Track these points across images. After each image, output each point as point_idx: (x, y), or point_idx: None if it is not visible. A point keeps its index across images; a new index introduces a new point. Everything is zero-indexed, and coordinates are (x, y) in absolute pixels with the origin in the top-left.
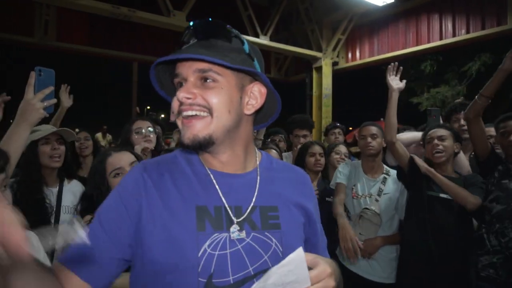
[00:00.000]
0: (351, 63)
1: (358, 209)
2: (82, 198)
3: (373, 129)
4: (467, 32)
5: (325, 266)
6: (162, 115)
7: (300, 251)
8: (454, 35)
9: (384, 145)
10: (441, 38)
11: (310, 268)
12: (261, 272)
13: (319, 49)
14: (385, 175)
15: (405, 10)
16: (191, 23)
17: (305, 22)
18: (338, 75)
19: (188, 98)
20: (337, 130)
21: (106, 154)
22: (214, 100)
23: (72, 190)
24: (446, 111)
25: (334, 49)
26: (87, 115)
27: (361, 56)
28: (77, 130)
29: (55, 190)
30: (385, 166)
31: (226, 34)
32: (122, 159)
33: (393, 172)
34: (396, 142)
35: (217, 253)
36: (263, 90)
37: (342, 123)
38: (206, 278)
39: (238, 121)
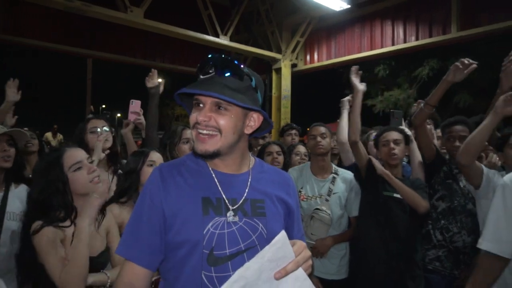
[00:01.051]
0: (309, 65)
1: (309, 211)
2: (29, 202)
3: (322, 129)
4: (417, 39)
5: (300, 242)
6: (118, 114)
7: (283, 232)
8: (405, 41)
9: (333, 145)
10: (393, 44)
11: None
12: (250, 248)
13: (279, 51)
14: (334, 175)
15: (360, 16)
16: (210, 56)
17: (265, 23)
18: (297, 77)
19: (205, 120)
20: (293, 131)
21: (60, 151)
22: (223, 123)
23: (20, 196)
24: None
25: (293, 51)
26: (36, 114)
27: (319, 59)
28: (25, 128)
29: (0, 194)
30: (334, 166)
31: (239, 73)
32: (79, 154)
33: (342, 172)
34: (358, 142)
35: (217, 232)
36: (261, 117)
37: (301, 125)
38: (209, 250)
39: (239, 138)
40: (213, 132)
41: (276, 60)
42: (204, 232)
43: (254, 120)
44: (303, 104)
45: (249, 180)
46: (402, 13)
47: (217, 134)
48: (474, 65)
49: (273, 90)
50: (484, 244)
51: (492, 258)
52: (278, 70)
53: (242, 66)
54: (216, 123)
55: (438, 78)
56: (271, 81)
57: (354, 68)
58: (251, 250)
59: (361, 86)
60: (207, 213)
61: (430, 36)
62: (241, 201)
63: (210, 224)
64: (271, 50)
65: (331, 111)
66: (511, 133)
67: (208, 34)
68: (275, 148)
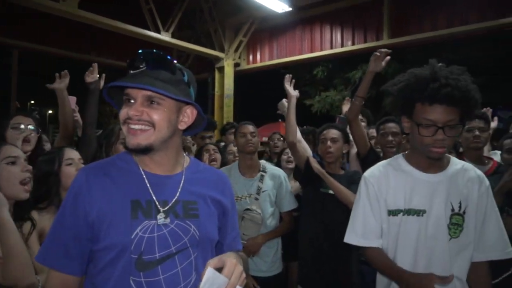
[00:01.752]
0: (252, 65)
1: (240, 211)
2: None
3: (251, 128)
4: (353, 44)
5: (230, 259)
6: (50, 111)
7: (209, 270)
8: (342, 45)
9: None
10: (331, 47)
11: (221, 268)
12: (181, 250)
13: (222, 50)
14: (262, 173)
15: (301, 19)
16: (141, 51)
17: (209, 21)
18: (240, 76)
19: (136, 115)
20: (234, 130)
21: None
22: (157, 117)
23: None
24: None
25: (236, 51)
26: None
27: (261, 59)
28: None
29: None
30: (261, 164)
31: (171, 67)
32: (14, 150)
33: (270, 169)
34: (297, 143)
35: (146, 235)
36: (194, 111)
37: None
38: (137, 255)
39: (172, 134)
40: (146, 127)
41: (219, 59)
42: (132, 237)
43: (188, 116)
44: (246, 104)
45: (182, 181)
46: (339, 18)
47: (150, 129)
48: (388, 57)
49: (216, 89)
50: (351, 238)
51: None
52: (221, 69)
53: (174, 61)
54: (149, 118)
55: (371, 81)
56: (214, 80)
57: (287, 76)
58: (183, 253)
59: (294, 92)
60: (136, 217)
61: (365, 42)
62: (172, 203)
63: (139, 228)
64: (214, 49)
65: (273, 111)
66: (509, 137)
67: (149, 30)
68: (211, 146)
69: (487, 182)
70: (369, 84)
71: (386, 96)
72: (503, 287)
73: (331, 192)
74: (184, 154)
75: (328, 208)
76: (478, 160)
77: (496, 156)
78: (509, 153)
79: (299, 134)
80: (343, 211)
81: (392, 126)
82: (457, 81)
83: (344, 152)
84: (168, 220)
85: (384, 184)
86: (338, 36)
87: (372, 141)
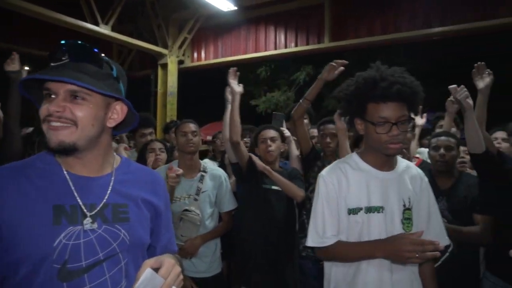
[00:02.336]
0: (196, 63)
1: (178, 212)
2: None
3: (193, 126)
4: (296, 45)
5: (168, 259)
6: None
7: (148, 270)
8: (286, 46)
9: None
10: (275, 48)
11: (158, 268)
12: (110, 256)
13: (165, 46)
14: (202, 173)
15: (246, 19)
16: (64, 42)
17: (151, 16)
18: (185, 74)
19: (58, 111)
20: None
21: None
22: (81, 114)
23: None
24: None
25: (180, 48)
26: None
27: (206, 57)
28: None
29: None
30: (202, 164)
31: (98, 60)
32: None
33: (210, 169)
34: (240, 142)
35: (71, 242)
36: (124, 108)
37: None
38: (60, 264)
39: (100, 132)
40: (67, 124)
41: (162, 56)
42: (55, 245)
43: (118, 112)
44: (190, 102)
45: (112, 182)
46: (283, 20)
47: (71, 126)
48: (342, 68)
49: (159, 86)
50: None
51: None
52: (164, 66)
53: (101, 54)
54: (71, 115)
55: (312, 82)
56: (157, 77)
57: (231, 70)
58: (112, 259)
59: (238, 88)
60: (59, 223)
61: (307, 44)
62: (100, 207)
63: (63, 234)
64: (157, 45)
65: (219, 110)
66: (439, 135)
67: (86, 21)
68: (158, 145)
69: (426, 179)
70: (319, 90)
71: (337, 101)
72: (441, 269)
73: (274, 187)
74: (115, 154)
75: (271, 204)
76: (404, 158)
77: (423, 154)
78: (435, 150)
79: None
80: (287, 206)
81: (331, 127)
82: (403, 78)
83: (281, 151)
84: (95, 225)
85: (344, 183)
86: (282, 37)
87: (314, 140)
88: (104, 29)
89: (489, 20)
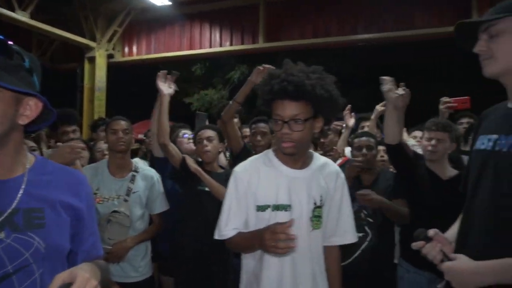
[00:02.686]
0: (128, 58)
1: (106, 214)
2: None
3: (124, 124)
4: (231, 44)
5: (82, 273)
6: None
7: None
8: (221, 45)
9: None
10: (210, 46)
11: (71, 283)
12: (22, 268)
13: (93, 39)
14: (134, 173)
15: (181, 15)
16: None
17: (78, 6)
18: (116, 69)
19: None
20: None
21: None
22: None
23: None
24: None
25: (109, 41)
26: None
27: (138, 52)
28: None
29: None
30: (134, 163)
31: (6, 49)
32: None
33: (142, 169)
34: (168, 144)
35: None
36: (39, 104)
37: None
38: None
39: (9, 130)
40: None
41: (89, 48)
42: None
43: (31, 108)
44: (121, 98)
45: (24, 185)
46: (219, 18)
47: None
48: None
49: (86, 81)
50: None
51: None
52: (92, 60)
53: (10, 43)
54: None
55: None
56: (83, 71)
57: (160, 72)
58: (23, 271)
59: (167, 91)
60: None
61: (242, 44)
62: (8, 213)
63: None
64: (83, 37)
65: (151, 107)
66: (360, 135)
67: (0, 7)
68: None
69: (342, 176)
70: (248, 91)
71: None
72: (353, 265)
73: (207, 189)
74: (28, 153)
75: (206, 206)
76: (332, 158)
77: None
78: (358, 150)
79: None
80: (219, 205)
81: (262, 126)
82: (297, 77)
83: (220, 151)
84: (3, 235)
85: (255, 179)
86: (217, 35)
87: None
88: (21, 16)
89: (407, 30)
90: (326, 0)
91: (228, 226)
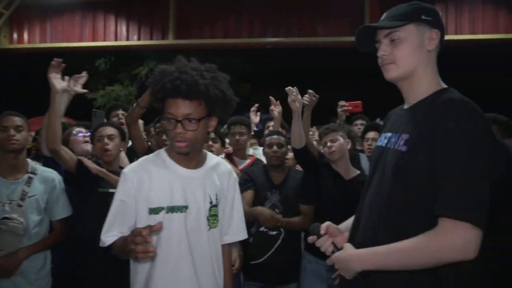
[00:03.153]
0: (17, 45)
1: None
2: None
3: (17, 120)
4: (139, 38)
5: None
6: None
7: None
8: (127, 39)
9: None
10: (116, 39)
11: None
12: None
13: None
14: (30, 175)
15: (82, 3)
16: None
17: None
18: (3, 57)
19: None
20: None
21: None
22: None
23: None
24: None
25: None
26: None
27: (30, 40)
28: None
29: None
30: (30, 164)
31: None
32: None
33: (41, 170)
34: (60, 149)
35: None
36: None
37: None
38: None
39: None
40: None
41: None
42: None
43: None
44: (10, 91)
45: None
46: (125, 11)
47: None
48: None
49: None
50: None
51: None
52: None
53: None
54: None
55: None
56: None
57: (54, 61)
58: None
59: (59, 85)
60: None
61: (151, 39)
62: None
63: None
64: None
65: (46, 103)
66: (271, 133)
67: None
68: None
69: (234, 175)
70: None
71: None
72: (267, 262)
73: (111, 190)
74: None
75: (108, 206)
76: (242, 157)
77: (258, 150)
78: (269, 148)
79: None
80: None
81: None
82: (191, 76)
83: (121, 150)
84: None
85: (146, 180)
86: (123, 28)
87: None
88: None
89: (310, 37)
90: (237, 1)
91: (109, 233)
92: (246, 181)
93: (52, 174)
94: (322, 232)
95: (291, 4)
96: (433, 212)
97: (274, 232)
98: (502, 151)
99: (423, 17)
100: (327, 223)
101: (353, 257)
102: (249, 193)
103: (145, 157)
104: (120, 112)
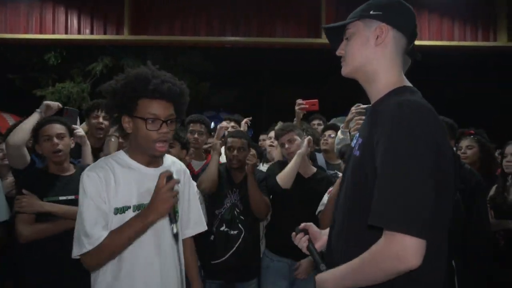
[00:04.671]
0: None
1: None
2: None
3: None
4: (92, 33)
5: None
6: None
7: None
8: (79, 32)
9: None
10: (66, 32)
11: None
12: None
13: None
14: None
15: None
16: None
17: None
18: None
19: None
20: None
21: None
22: None
23: None
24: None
25: None
26: None
27: None
28: None
29: None
30: None
31: None
32: None
33: None
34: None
35: None
36: None
37: None
38: None
39: None
40: None
41: None
42: None
43: None
44: None
45: None
46: (76, 3)
47: None
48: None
49: None
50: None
51: None
52: None
53: None
54: None
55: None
56: None
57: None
58: None
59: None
60: None
61: (105, 33)
62: None
63: None
64: None
65: None
66: (233, 135)
67: None
68: None
69: (188, 172)
70: None
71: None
72: (228, 261)
73: (62, 198)
74: None
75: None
76: (199, 157)
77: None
78: (230, 151)
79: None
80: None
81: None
82: (173, 79)
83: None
84: None
85: (112, 181)
86: (74, 21)
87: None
88: None
89: (269, 37)
90: None
91: (96, 227)
92: None
93: None
94: (300, 227)
95: (251, 4)
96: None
97: (235, 232)
98: (450, 148)
99: (371, 12)
100: (309, 223)
101: (322, 280)
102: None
103: (103, 159)
104: (102, 115)
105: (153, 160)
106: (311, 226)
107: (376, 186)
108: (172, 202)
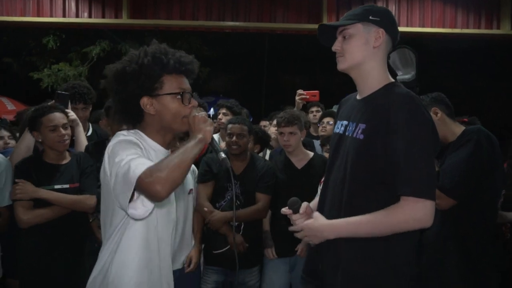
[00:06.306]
0: None
1: None
2: None
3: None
4: (90, 16)
5: None
6: None
7: None
8: (77, 15)
9: None
10: (64, 16)
11: None
12: None
13: None
14: None
15: None
16: None
17: None
18: None
19: None
20: None
21: None
22: None
23: None
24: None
25: None
26: None
27: None
28: None
29: None
30: None
31: None
32: None
33: None
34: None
35: None
36: None
37: None
38: None
39: None
40: None
41: None
42: None
43: None
44: None
45: None
46: None
47: None
48: None
49: None
50: None
51: None
52: None
53: None
54: None
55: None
56: None
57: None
58: None
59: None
60: None
61: (103, 17)
62: None
63: None
64: None
65: None
66: (234, 121)
67: None
68: None
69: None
70: None
71: (109, 83)
72: (228, 253)
73: (57, 187)
74: None
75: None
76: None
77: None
78: (230, 137)
79: None
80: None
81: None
82: (183, 52)
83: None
84: None
85: (144, 152)
86: (72, 4)
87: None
88: None
89: (269, 22)
90: None
91: (140, 159)
92: (206, 172)
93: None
94: (301, 211)
95: None
96: (388, 189)
97: (236, 223)
98: (436, 133)
99: (370, 17)
100: (305, 203)
101: (327, 227)
102: (209, 185)
103: (126, 131)
104: (81, 106)
105: (172, 142)
106: (308, 206)
107: (398, 162)
108: (210, 121)
